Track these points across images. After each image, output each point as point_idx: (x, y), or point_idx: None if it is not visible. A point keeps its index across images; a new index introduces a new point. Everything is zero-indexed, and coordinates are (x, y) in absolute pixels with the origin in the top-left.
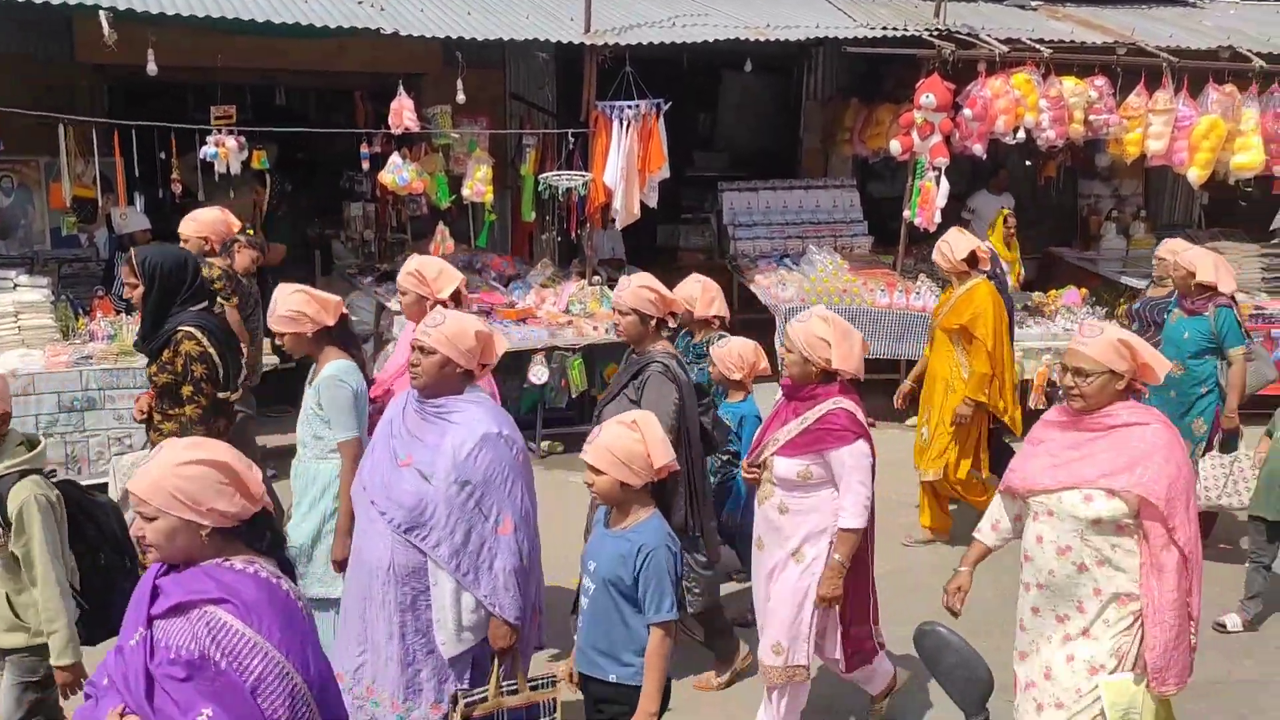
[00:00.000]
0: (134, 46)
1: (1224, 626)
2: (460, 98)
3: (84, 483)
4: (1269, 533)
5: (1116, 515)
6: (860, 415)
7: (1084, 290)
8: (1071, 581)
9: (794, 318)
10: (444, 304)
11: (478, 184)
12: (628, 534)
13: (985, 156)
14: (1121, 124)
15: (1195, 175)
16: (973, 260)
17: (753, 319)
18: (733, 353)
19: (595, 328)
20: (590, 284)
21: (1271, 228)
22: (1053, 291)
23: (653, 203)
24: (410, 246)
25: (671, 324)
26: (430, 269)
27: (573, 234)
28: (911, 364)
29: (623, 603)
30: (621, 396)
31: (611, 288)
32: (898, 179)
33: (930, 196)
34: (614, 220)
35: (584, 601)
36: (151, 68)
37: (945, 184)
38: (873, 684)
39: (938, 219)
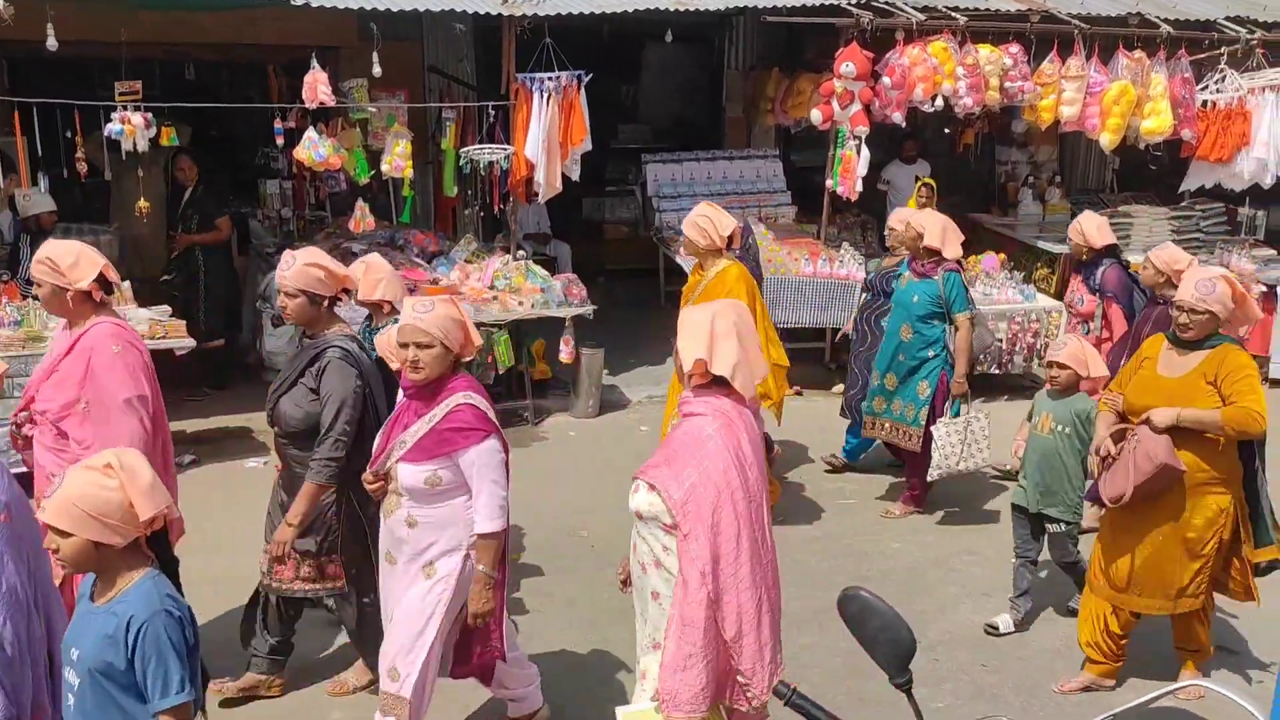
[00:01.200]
0: (32, 21)
1: (995, 628)
2: (377, 71)
3: None
4: (1032, 526)
5: (656, 512)
6: (488, 410)
7: (1002, 255)
8: (640, 582)
9: (416, 307)
10: (86, 293)
11: (397, 159)
12: (113, 607)
13: (905, 124)
14: (1036, 91)
15: (1107, 140)
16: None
17: (680, 290)
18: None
19: (520, 303)
20: (515, 259)
21: (1180, 189)
22: (972, 258)
23: (575, 175)
24: (330, 223)
25: (347, 301)
26: (64, 256)
27: (496, 208)
28: (836, 332)
29: (120, 694)
30: (299, 385)
31: (538, 262)
32: (820, 148)
33: (851, 165)
34: (537, 194)
35: (69, 701)
36: (51, 43)
37: (866, 152)
38: (521, 704)
39: (859, 187)
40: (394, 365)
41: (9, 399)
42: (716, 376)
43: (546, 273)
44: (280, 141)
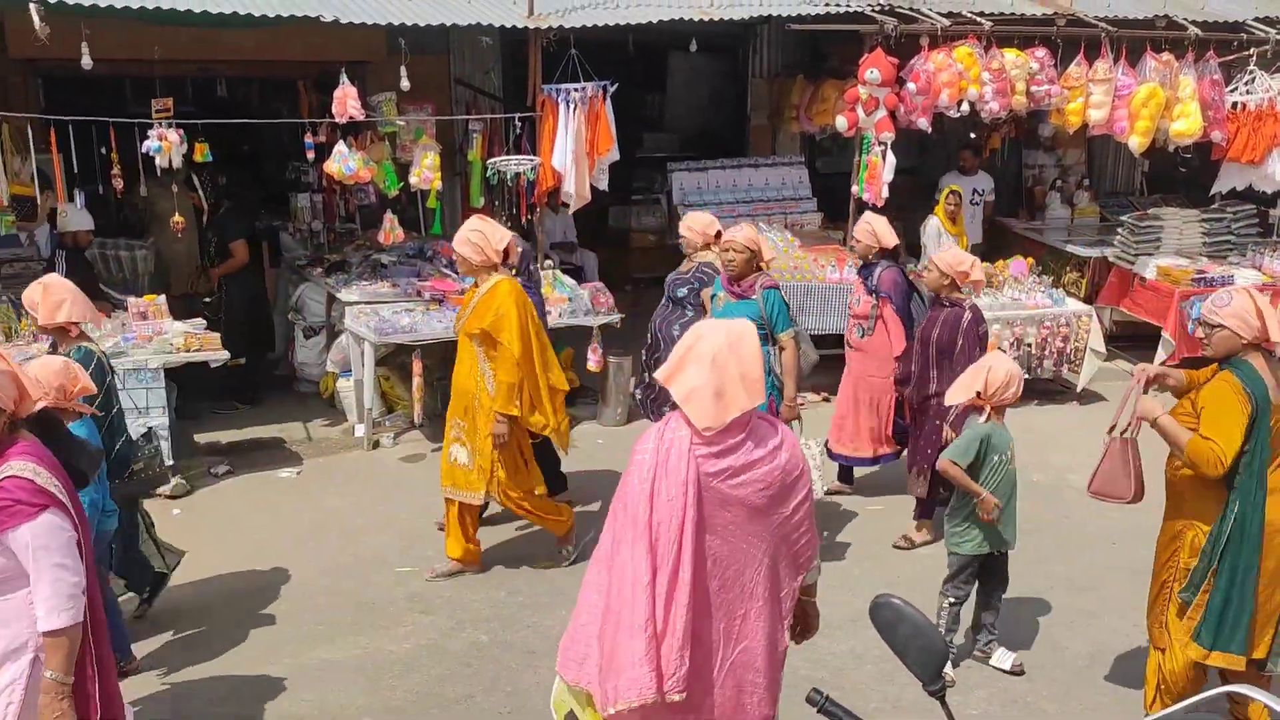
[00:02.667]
0: (68, 40)
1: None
2: (405, 85)
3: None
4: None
5: None
6: (51, 481)
7: (1030, 260)
8: None
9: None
10: None
11: (425, 171)
12: None
13: (930, 130)
14: (1063, 94)
15: (1136, 143)
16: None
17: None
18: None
19: (548, 312)
20: (542, 268)
21: (1211, 192)
22: (1000, 262)
23: (603, 185)
24: (360, 235)
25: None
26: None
27: (523, 219)
28: None
29: None
30: None
31: (565, 272)
32: (845, 155)
33: (877, 171)
34: (567, 204)
35: None
36: (86, 61)
37: (892, 158)
38: None
39: (885, 193)
40: None
41: None
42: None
43: (573, 282)
44: (310, 155)
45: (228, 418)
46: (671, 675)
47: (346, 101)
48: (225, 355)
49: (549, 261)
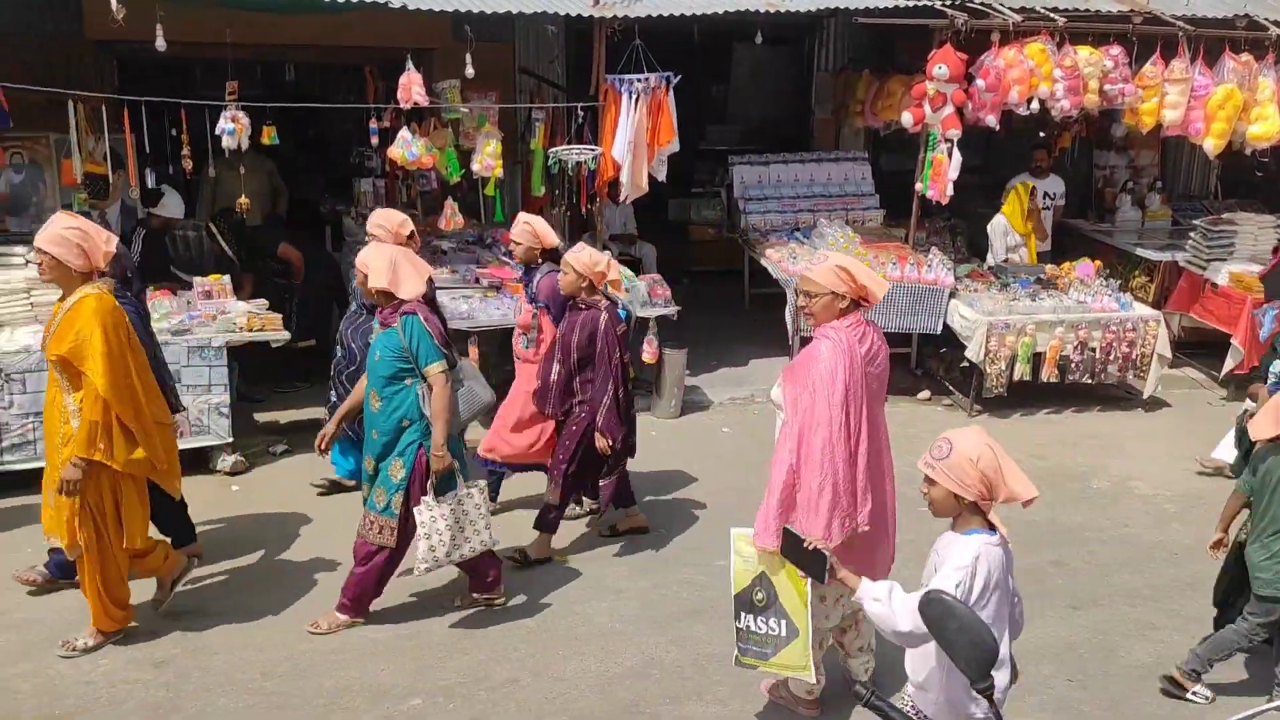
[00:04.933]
0: (142, 22)
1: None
2: (469, 72)
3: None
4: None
5: (778, 399)
6: None
7: (1098, 262)
8: None
9: None
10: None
11: (487, 158)
12: None
13: (999, 128)
14: (1137, 94)
15: (1211, 145)
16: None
17: (764, 293)
18: None
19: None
20: None
21: None
22: (1066, 264)
23: (662, 176)
24: (420, 221)
25: None
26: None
27: (583, 208)
28: (928, 340)
29: None
30: None
31: (623, 263)
32: (909, 151)
33: (942, 169)
34: (623, 194)
35: None
36: (160, 43)
37: (958, 156)
38: None
39: (949, 191)
40: None
41: None
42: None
43: (631, 273)
44: (375, 141)
45: (287, 396)
46: (863, 511)
47: (411, 88)
48: (285, 335)
49: (606, 252)
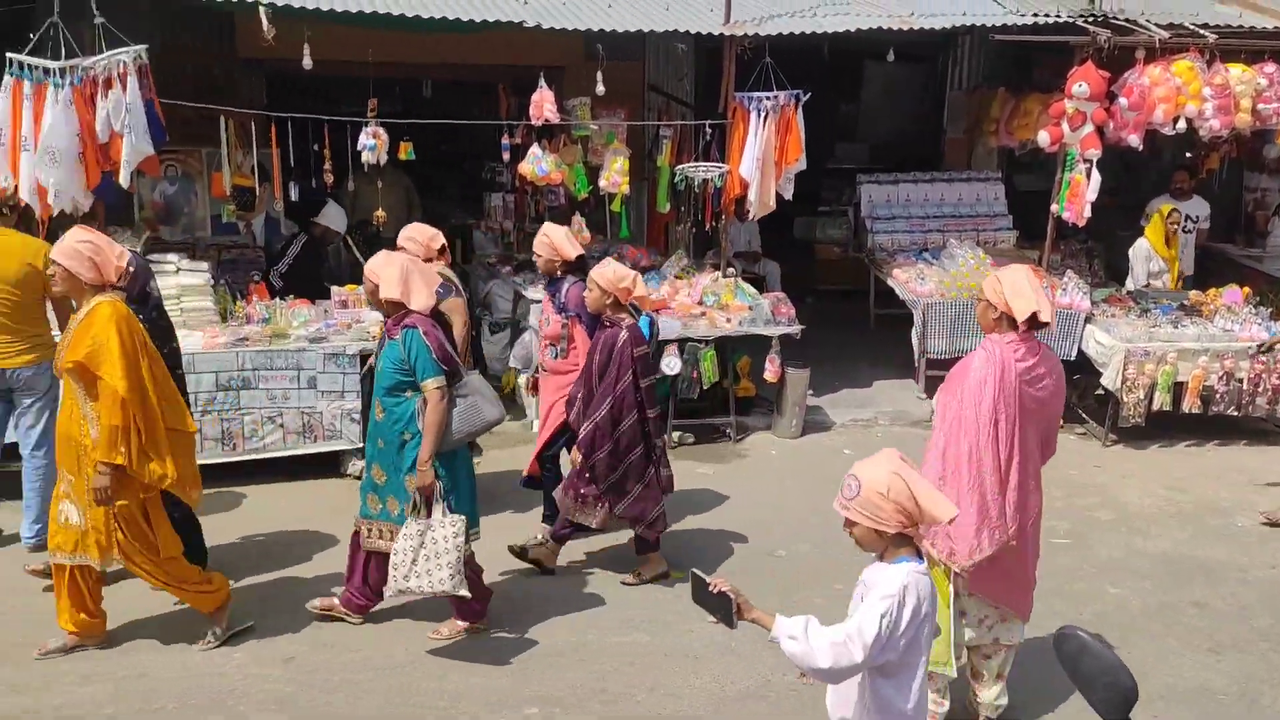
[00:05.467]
0: (290, 42)
1: None
2: (600, 90)
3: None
4: None
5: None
6: None
7: (1247, 290)
8: None
9: None
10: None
11: (615, 175)
12: None
13: (1141, 148)
14: None
15: None
16: None
17: (890, 314)
18: None
19: (728, 320)
20: (724, 276)
21: None
22: (1212, 290)
23: (789, 194)
24: None
25: None
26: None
27: (708, 225)
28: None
29: None
30: None
31: (747, 280)
32: (1045, 172)
33: (1080, 190)
34: (749, 212)
35: None
36: (307, 62)
37: (1097, 176)
38: None
39: (1087, 213)
40: None
41: (255, 389)
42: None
43: (755, 291)
44: (506, 156)
45: None
46: (1012, 527)
47: (543, 105)
48: None
49: (731, 270)
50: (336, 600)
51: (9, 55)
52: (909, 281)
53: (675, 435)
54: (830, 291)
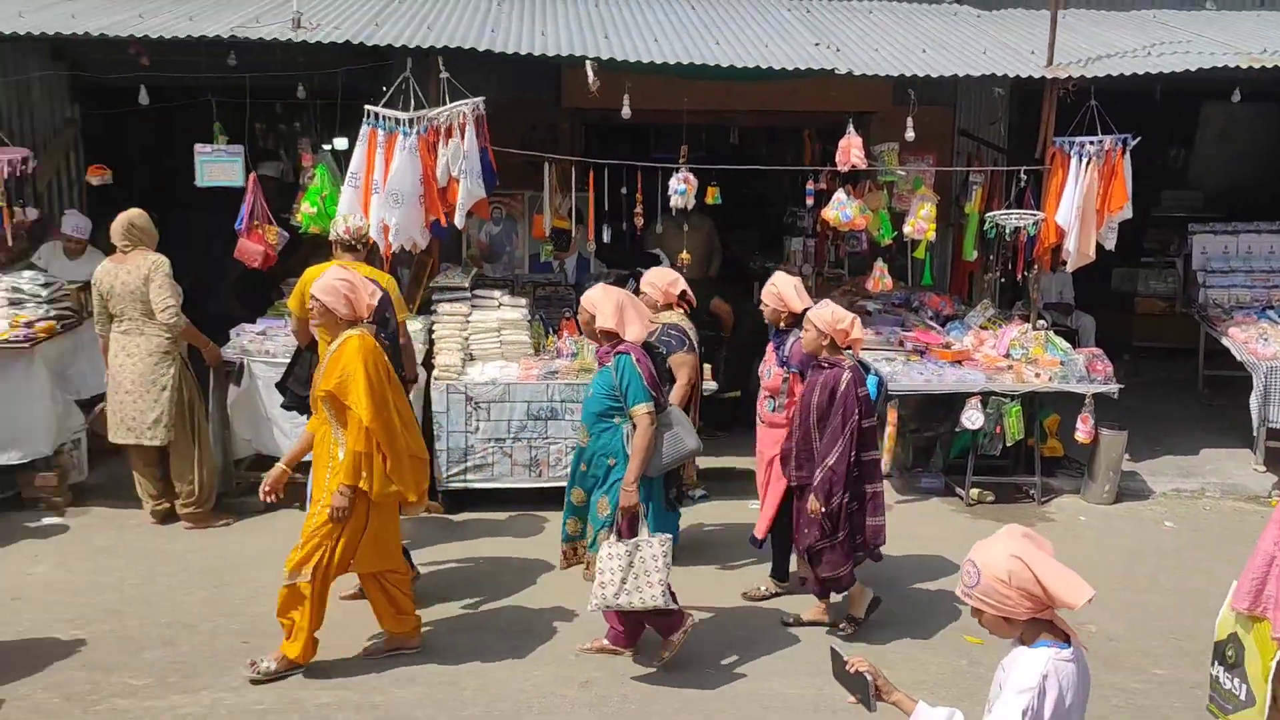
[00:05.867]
0: (611, 92)
1: None
2: (909, 135)
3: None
4: None
5: None
6: None
7: None
8: None
9: None
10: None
11: (920, 221)
12: None
13: None
14: None
15: None
16: None
17: (1222, 375)
18: None
19: (1037, 374)
20: (1034, 328)
21: None
22: None
23: (1110, 244)
24: (846, 280)
25: None
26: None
27: (1018, 275)
28: None
29: None
30: None
31: (1058, 333)
32: None
33: None
34: (1065, 262)
35: None
36: (626, 111)
37: None
38: None
39: None
40: None
41: (561, 420)
42: None
43: (1067, 345)
44: (810, 201)
45: (708, 444)
46: None
47: (851, 150)
48: (714, 385)
49: (1042, 322)
50: (606, 641)
51: (367, 107)
52: (1249, 342)
53: (974, 492)
54: (1150, 349)
